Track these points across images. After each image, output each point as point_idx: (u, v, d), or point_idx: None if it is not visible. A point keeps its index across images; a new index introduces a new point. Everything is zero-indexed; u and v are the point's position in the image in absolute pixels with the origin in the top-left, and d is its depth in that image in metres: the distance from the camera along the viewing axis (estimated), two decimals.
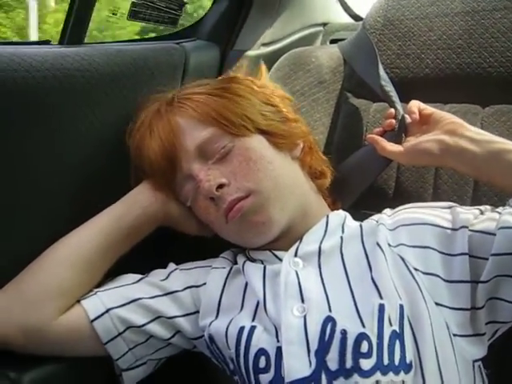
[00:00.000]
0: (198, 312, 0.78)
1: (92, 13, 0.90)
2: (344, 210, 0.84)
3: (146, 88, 0.91)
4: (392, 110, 0.89)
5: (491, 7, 1.01)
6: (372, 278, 0.68)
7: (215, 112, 0.77)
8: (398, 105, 0.91)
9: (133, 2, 1.02)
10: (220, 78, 0.90)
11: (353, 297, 0.68)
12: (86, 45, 0.92)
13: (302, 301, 0.69)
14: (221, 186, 0.74)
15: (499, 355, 0.74)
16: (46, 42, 0.89)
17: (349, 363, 0.62)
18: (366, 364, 0.61)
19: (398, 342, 0.63)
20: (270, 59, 1.18)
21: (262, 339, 0.69)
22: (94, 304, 0.75)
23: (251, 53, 1.24)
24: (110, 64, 0.85)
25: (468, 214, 0.71)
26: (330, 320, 0.66)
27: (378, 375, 0.61)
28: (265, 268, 0.76)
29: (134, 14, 1.04)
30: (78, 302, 0.75)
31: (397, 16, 1.08)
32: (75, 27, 0.89)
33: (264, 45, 1.28)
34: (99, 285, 0.78)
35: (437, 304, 0.66)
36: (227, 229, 0.77)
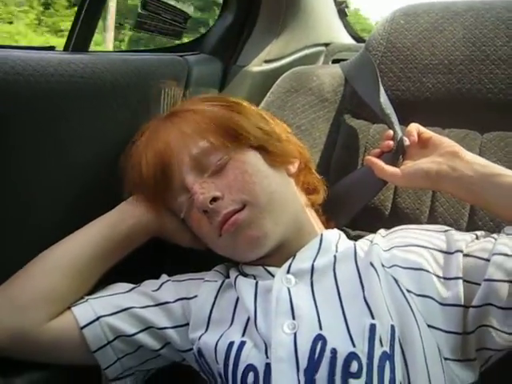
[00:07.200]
0: (188, 324, 0.78)
1: (98, 21, 0.91)
2: (339, 229, 0.84)
3: (147, 98, 0.91)
4: (390, 132, 0.89)
5: (493, 35, 1.02)
6: (364, 298, 0.68)
7: (213, 124, 0.77)
8: (397, 127, 0.91)
9: (139, 13, 1.03)
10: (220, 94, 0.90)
11: (344, 316, 0.67)
12: (91, 53, 0.92)
13: (293, 318, 0.68)
14: (215, 199, 0.74)
15: (494, 381, 0.73)
16: (51, 48, 0.90)
17: (338, 383, 0.61)
18: None
19: (388, 363, 0.62)
20: (272, 76, 1.19)
21: (251, 355, 0.68)
22: (84, 311, 0.75)
23: (253, 69, 1.25)
24: (113, 72, 0.85)
25: (463, 238, 0.71)
26: (320, 338, 0.65)
27: None
28: (257, 284, 0.75)
29: (139, 25, 1.05)
30: (69, 308, 0.75)
31: (399, 39, 1.09)
32: (81, 35, 0.90)
33: (266, 62, 1.29)
34: (91, 293, 0.78)
35: (429, 326, 0.66)
36: (220, 242, 0.77)
